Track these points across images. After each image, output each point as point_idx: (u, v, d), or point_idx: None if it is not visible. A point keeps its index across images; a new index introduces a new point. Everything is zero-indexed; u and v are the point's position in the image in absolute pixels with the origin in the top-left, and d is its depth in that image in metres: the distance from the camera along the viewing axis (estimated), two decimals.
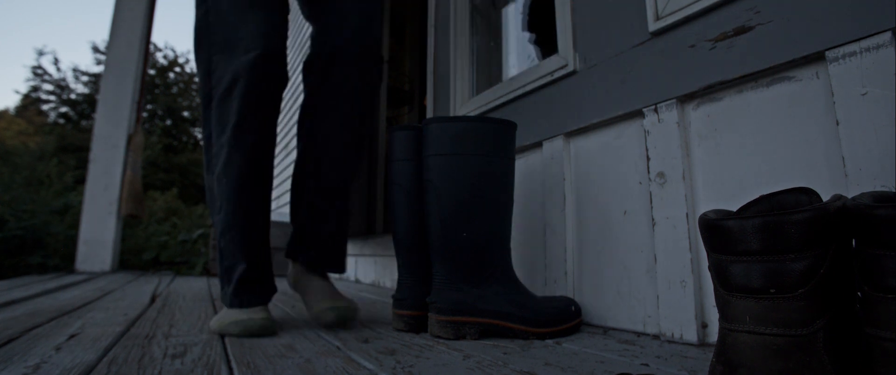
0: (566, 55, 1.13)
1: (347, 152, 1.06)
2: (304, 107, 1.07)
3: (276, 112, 0.99)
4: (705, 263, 0.80)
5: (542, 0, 1.20)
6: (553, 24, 1.19)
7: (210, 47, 0.96)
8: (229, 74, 0.92)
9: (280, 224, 2.98)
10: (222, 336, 0.84)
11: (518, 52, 1.57)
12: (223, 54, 0.94)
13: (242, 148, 0.91)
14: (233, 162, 0.91)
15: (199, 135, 16.26)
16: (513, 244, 1.00)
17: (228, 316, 0.88)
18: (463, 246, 0.89)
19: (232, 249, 0.91)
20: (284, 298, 1.55)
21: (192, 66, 16.37)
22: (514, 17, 1.58)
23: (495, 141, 0.93)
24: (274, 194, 4.98)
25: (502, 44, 1.63)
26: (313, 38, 1.07)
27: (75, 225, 3.01)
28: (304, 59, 0.98)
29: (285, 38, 1.01)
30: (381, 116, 2.62)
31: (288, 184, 4.42)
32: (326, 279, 1.07)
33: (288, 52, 1.05)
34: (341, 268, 1.10)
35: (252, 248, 0.93)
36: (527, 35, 1.50)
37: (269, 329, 0.87)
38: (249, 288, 0.91)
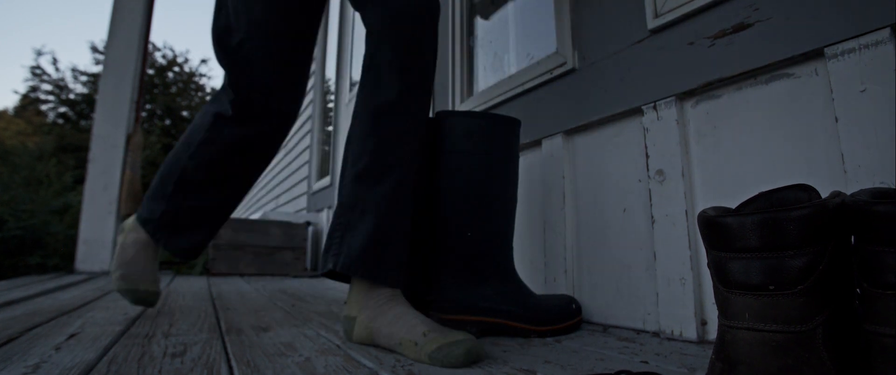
0: (565, 53, 1.13)
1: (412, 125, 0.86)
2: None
3: None
4: (704, 260, 0.80)
5: None
6: None
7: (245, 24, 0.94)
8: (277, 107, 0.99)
9: (280, 223, 2.99)
10: (222, 336, 0.84)
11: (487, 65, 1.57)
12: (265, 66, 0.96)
13: (264, 162, 1.06)
14: (250, 171, 1.04)
15: None
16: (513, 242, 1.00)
17: (132, 279, 0.99)
18: (468, 244, 0.89)
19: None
20: (284, 297, 1.55)
21: (190, 65, 16.34)
22: (490, 26, 1.58)
23: (504, 138, 0.93)
24: (274, 193, 4.98)
25: (474, 60, 1.63)
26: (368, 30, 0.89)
27: (75, 225, 3.00)
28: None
29: None
30: None
31: (287, 184, 4.42)
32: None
33: None
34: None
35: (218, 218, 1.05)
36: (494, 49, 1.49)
37: (154, 302, 1.03)
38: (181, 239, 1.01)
